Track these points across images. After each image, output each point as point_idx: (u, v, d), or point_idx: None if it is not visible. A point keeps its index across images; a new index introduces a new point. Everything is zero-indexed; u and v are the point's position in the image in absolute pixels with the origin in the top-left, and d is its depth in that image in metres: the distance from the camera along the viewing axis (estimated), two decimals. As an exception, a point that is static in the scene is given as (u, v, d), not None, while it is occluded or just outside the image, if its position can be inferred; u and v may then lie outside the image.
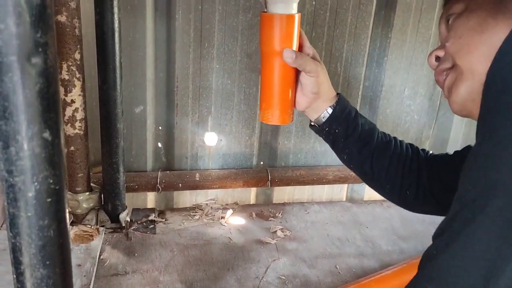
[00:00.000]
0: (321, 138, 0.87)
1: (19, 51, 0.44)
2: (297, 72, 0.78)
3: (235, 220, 1.59)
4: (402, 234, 1.56)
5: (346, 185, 1.85)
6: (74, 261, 1.21)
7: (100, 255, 1.31)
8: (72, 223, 1.39)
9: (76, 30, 1.22)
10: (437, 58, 0.69)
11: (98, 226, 1.42)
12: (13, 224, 0.51)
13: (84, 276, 1.20)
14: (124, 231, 1.44)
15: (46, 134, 0.48)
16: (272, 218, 1.63)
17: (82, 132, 1.32)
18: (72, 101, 1.27)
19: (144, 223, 1.51)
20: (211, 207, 1.67)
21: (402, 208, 0.92)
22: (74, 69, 1.24)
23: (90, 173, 1.43)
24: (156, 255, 1.35)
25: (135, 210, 1.58)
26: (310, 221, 1.63)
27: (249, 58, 1.58)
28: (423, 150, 0.91)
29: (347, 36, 1.63)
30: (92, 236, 1.37)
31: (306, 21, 1.57)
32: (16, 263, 0.53)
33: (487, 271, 0.49)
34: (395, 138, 0.90)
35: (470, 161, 0.54)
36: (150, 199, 1.67)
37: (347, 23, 1.61)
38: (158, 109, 1.57)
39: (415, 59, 1.73)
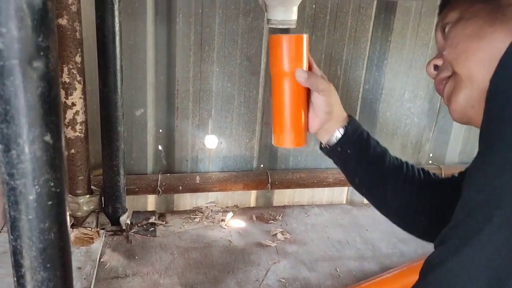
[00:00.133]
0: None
1: (20, 54, 0.44)
2: (308, 94, 0.78)
3: (235, 223, 1.59)
4: (402, 237, 1.56)
5: (347, 188, 1.85)
6: (74, 264, 1.21)
7: (100, 258, 1.31)
8: (72, 226, 1.39)
9: (77, 34, 1.23)
10: (436, 67, 0.68)
11: (98, 229, 1.42)
12: (14, 227, 0.51)
13: (85, 279, 1.20)
14: (124, 233, 1.44)
15: (47, 137, 0.48)
16: (272, 221, 1.62)
17: (82, 135, 1.33)
18: (73, 104, 1.28)
19: (145, 226, 1.51)
20: (211, 209, 1.67)
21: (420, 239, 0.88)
22: (75, 72, 1.25)
23: (91, 176, 1.43)
24: (157, 258, 1.35)
25: (136, 213, 1.58)
26: (310, 223, 1.63)
27: (249, 61, 1.58)
28: (434, 174, 0.87)
29: (347, 39, 1.63)
30: (92, 238, 1.37)
31: (306, 24, 1.58)
32: (17, 265, 0.53)
33: (492, 280, 0.48)
34: (406, 162, 0.88)
35: (474, 169, 0.53)
36: (151, 201, 1.68)
37: (347, 26, 1.62)
38: (159, 112, 1.58)
39: (414, 62, 1.73)
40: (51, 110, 0.48)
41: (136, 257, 1.34)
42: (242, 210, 1.69)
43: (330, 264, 1.40)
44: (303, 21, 1.56)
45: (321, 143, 0.84)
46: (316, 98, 0.77)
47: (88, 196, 1.41)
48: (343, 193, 1.87)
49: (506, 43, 0.55)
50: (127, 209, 1.49)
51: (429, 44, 1.71)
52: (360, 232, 1.60)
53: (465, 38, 0.60)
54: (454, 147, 1.92)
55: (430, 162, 1.91)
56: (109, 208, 1.44)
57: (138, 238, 1.44)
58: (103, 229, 1.43)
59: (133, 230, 1.47)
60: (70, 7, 1.19)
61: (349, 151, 0.80)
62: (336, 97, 0.80)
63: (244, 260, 1.38)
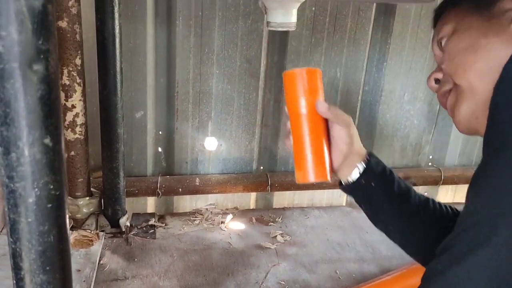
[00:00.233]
0: None
1: (20, 58, 0.44)
2: (327, 128, 0.76)
3: (235, 225, 1.59)
4: (402, 239, 1.56)
5: (346, 189, 1.85)
6: (73, 266, 1.20)
7: (100, 260, 1.31)
8: (72, 228, 1.39)
9: (77, 36, 1.23)
10: (437, 81, 0.68)
11: (98, 231, 1.42)
12: (13, 230, 0.51)
13: (84, 281, 1.19)
14: (124, 236, 1.44)
15: (47, 140, 0.48)
16: (272, 223, 1.62)
17: (82, 137, 1.33)
18: (73, 106, 1.28)
19: (144, 228, 1.51)
20: (211, 212, 1.67)
21: None
22: (74, 74, 1.25)
23: (90, 178, 1.43)
24: (156, 260, 1.35)
25: (135, 215, 1.58)
26: (310, 226, 1.63)
27: (249, 63, 1.58)
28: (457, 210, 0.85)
29: (347, 41, 1.64)
30: (92, 241, 1.37)
31: (305, 26, 1.58)
32: (16, 268, 0.53)
33: None
34: (432, 198, 0.84)
35: (479, 178, 0.53)
36: (150, 203, 1.67)
37: (347, 28, 1.62)
38: (159, 114, 1.58)
39: (414, 64, 1.73)
40: (51, 113, 0.48)
41: (136, 259, 1.34)
42: (241, 212, 1.69)
43: (330, 266, 1.39)
44: (302, 23, 1.57)
45: (340, 182, 0.80)
46: (337, 130, 0.75)
47: (87, 198, 1.41)
48: (343, 195, 1.87)
49: (503, 52, 0.56)
50: (126, 211, 1.48)
51: (428, 46, 1.72)
52: (360, 234, 1.60)
53: (461, 51, 0.60)
54: (454, 149, 1.92)
55: (429, 164, 1.91)
56: (109, 210, 1.44)
57: (138, 240, 1.44)
58: (102, 231, 1.43)
59: (132, 232, 1.47)
60: (70, 9, 1.19)
61: (373, 184, 0.76)
62: (355, 129, 0.77)
63: (244, 262, 1.38)
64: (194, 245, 1.44)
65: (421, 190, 1.98)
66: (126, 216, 1.48)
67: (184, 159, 1.65)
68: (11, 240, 0.51)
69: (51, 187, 0.50)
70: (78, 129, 1.30)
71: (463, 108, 0.61)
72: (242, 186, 1.65)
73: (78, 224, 1.41)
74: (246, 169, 1.72)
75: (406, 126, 1.83)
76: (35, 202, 0.50)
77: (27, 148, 0.47)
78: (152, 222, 1.54)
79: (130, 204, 1.57)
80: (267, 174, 1.69)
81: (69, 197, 1.37)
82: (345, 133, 0.75)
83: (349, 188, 0.79)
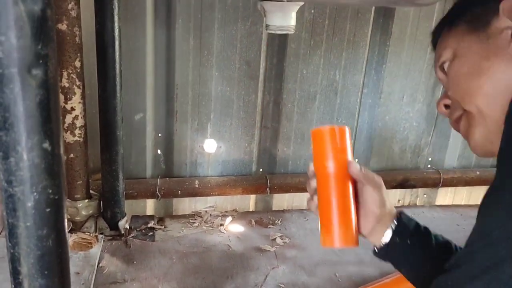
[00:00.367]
0: None
1: (20, 63, 0.44)
2: (356, 189, 0.72)
3: (234, 227, 1.59)
4: (402, 241, 1.56)
5: (346, 192, 1.85)
6: (72, 269, 1.20)
7: (99, 263, 1.30)
8: (71, 231, 1.39)
9: (77, 38, 1.23)
10: (447, 106, 0.67)
11: (97, 234, 1.42)
12: (12, 234, 0.51)
13: (83, 284, 1.19)
14: (123, 238, 1.44)
15: (46, 145, 0.48)
16: (271, 225, 1.62)
17: (81, 140, 1.33)
18: (72, 109, 1.28)
19: (143, 231, 1.51)
20: (210, 214, 1.66)
21: None
22: (74, 76, 1.25)
23: (90, 180, 1.43)
24: (155, 263, 1.35)
25: (134, 217, 1.58)
26: (309, 228, 1.63)
27: (248, 65, 1.59)
28: None
29: (346, 43, 1.64)
30: (91, 243, 1.37)
31: (305, 29, 1.58)
32: (15, 272, 0.53)
33: None
34: None
35: (492, 198, 0.52)
36: (150, 206, 1.67)
37: (346, 31, 1.62)
38: (158, 116, 1.58)
39: (413, 66, 1.74)
40: (50, 118, 0.48)
41: (135, 262, 1.34)
42: (241, 215, 1.69)
43: (329, 268, 1.39)
44: (302, 26, 1.57)
45: (374, 248, 0.75)
46: (369, 192, 0.71)
47: (86, 200, 1.40)
48: (342, 197, 1.86)
49: (507, 73, 0.54)
50: (126, 214, 1.48)
51: (427, 48, 1.72)
52: (360, 236, 1.59)
53: (465, 77, 0.59)
54: (453, 151, 1.92)
55: (429, 166, 1.92)
56: (108, 212, 1.44)
57: (137, 242, 1.44)
58: (101, 233, 1.43)
59: (131, 235, 1.47)
60: (70, 12, 1.19)
61: (408, 242, 0.71)
62: (385, 190, 0.73)
63: (243, 265, 1.38)
64: (194, 248, 1.44)
65: (420, 192, 1.98)
66: (125, 218, 1.48)
67: (184, 161, 1.65)
68: (10, 244, 0.51)
69: (50, 191, 0.50)
70: (77, 131, 1.30)
71: (476, 134, 0.61)
72: (242, 188, 1.65)
73: (77, 227, 1.41)
74: (246, 171, 1.72)
75: (405, 128, 1.83)
76: (34, 206, 0.50)
77: (26, 152, 0.47)
78: (151, 224, 1.54)
79: (129, 207, 1.57)
80: (267, 176, 1.69)
81: (68, 200, 1.37)
82: (378, 195, 0.71)
83: (384, 252, 0.73)
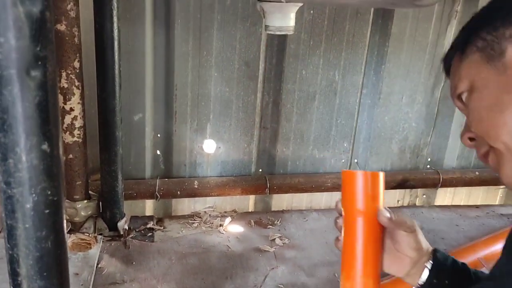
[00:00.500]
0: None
1: (18, 64, 0.44)
2: (384, 234, 0.70)
3: (233, 228, 1.59)
4: (401, 241, 1.56)
5: (345, 192, 1.85)
6: (71, 269, 1.20)
7: (98, 264, 1.30)
8: (69, 231, 1.39)
9: (76, 39, 1.23)
10: (472, 139, 0.64)
11: (96, 234, 1.41)
12: (10, 236, 0.51)
13: (82, 285, 1.19)
14: (122, 239, 1.44)
15: (45, 146, 0.48)
16: (270, 226, 1.62)
17: (80, 140, 1.32)
18: (71, 109, 1.27)
19: (143, 231, 1.50)
20: (209, 214, 1.66)
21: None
22: (73, 77, 1.25)
23: (89, 181, 1.43)
24: (154, 264, 1.34)
25: (134, 218, 1.58)
26: (308, 228, 1.63)
27: (247, 66, 1.59)
28: None
29: (345, 44, 1.64)
30: (90, 244, 1.37)
31: (304, 30, 1.58)
32: (14, 274, 0.53)
33: None
34: None
35: None
36: (149, 206, 1.67)
37: (345, 31, 1.62)
38: (157, 117, 1.58)
39: (412, 67, 1.74)
40: (48, 119, 0.48)
41: (134, 263, 1.34)
42: (240, 215, 1.69)
43: (328, 269, 1.39)
44: (301, 26, 1.57)
45: None
46: (403, 237, 0.68)
47: (85, 201, 1.40)
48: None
49: None
50: (125, 214, 1.48)
51: (426, 49, 1.72)
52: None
53: (486, 111, 0.57)
54: (452, 152, 1.92)
55: (428, 166, 1.92)
56: (107, 213, 1.44)
57: (136, 243, 1.44)
58: (100, 234, 1.43)
59: (131, 236, 1.47)
60: (69, 12, 1.19)
61: (447, 282, 0.69)
62: (420, 232, 0.71)
63: (242, 265, 1.38)
64: (193, 248, 1.44)
65: (419, 192, 1.98)
66: (124, 219, 1.47)
67: (183, 162, 1.65)
68: (9, 246, 0.51)
69: (49, 192, 0.50)
70: (76, 132, 1.30)
71: (507, 170, 0.59)
72: (241, 188, 1.65)
73: (76, 227, 1.41)
74: (245, 172, 1.72)
75: (404, 128, 1.83)
76: (33, 208, 0.50)
77: (25, 154, 0.47)
78: (150, 225, 1.54)
79: (129, 207, 1.57)
80: (266, 177, 1.69)
81: (67, 200, 1.37)
82: (413, 240, 0.69)
83: None
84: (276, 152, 1.72)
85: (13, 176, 0.48)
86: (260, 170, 1.74)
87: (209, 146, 1.65)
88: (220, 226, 1.59)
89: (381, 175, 0.68)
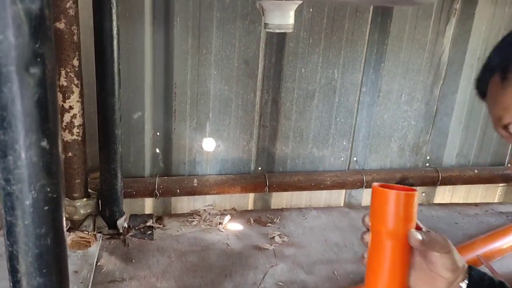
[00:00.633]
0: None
1: (17, 61, 0.44)
2: (415, 253, 0.66)
3: (233, 226, 1.59)
4: (400, 239, 1.56)
5: (344, 190, 1.86)
6: (71, 267, 1.20)
7: (97, 262, 1.31)
8: (69, 230, 1.39)
9: (75, 37, 1.23)
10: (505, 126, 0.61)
11: (95, 232, 1.42)
12: (10, 233, 0.51)
13: (81, 283, 1.19)
14: (121, 237, 1.44)
15: (44, 143, 0.48)
16: (270, 224, 1.63)
17: (80, 138, 1.32)
18: (70, 107, 1.28)
19: (142, 229, 1.51)
20: (209, 212, 1.67)
21: None
22: (72, 75, 1.25)
23: (88, 179, 1.43)
24: (154, 261, 1.35)
25: (133, 216, 1.58)
26: (308, 226, 1.63)
27: (247, 64, 1.59)
28: None
29: (344, 42, 1.64)
30: (89, 242, 1.37)
31: (303, 27, 1.58)
32: (13, 271, 0.53)
33: None
34: None
35: None
36: (148, 204, 1.67)
37: (344, 29, 1.62)
38: (156, 115, 1.58)
39: (411, 65, 1.74)
40: (48, 116, 0.48)
41: (133, 261, 1.34)
42: (239, 213, 1.69)
43: (327, 267, 1.40)
44: (300, 24, 1.57)
45: None
46: (437, 258, 0.64)
47: (85, 199, 1.40)
48: (340, 195, 1.87)
49: None
50: (124, 212, 1.48)
51: (425, 47, 1.72)
52: (358, 234, 1.59)
53: None
54: (452, 150, 1.93)
55: (427, 164, 1.92)
56: (106, 211, 1.44)
57: (136, 241, 1.44)
58: (100, 232, 1.43)
59: (130, 234, 1.47)
60: (68, 10, 1.19)
61: None
62: (455, 251, 0.67)
63: (242, 263, 1.38)
64: (192, 246, 1.44)
65: (419, 190, 1.98)
66: (124, 217, 1.48)
67: (182, 160, 1.65)
68: (8, 243, 0.52)
69: (48, 189, 0.51)
70: (75, 130, 1.30)
71: None
72: (240, 187, 1.65)
73: (75, 226, 1.41)
74: (244, 170, 1.72)
75: (403, 126, 1.83)
76: (32, 205, 0.50)
77: (24, 151, 0.47)
78: (149, 223, 1.54)
79: (128, 205, 1.57)
80: (265, 175, 1.69)
81: (66, 198, 1.37)
82: (448, 260, 0.65)
83: None
84: (275, 150, 1.72)
85: (12, 173, 0.48)
86: (260, 168, 1.74)
87: (209, 144, 1.65)
88: (219, 224, 1.59)
89: (415, 195, 0.64)
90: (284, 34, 1.57)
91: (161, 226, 1.55)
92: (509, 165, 2.01)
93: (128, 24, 1.43)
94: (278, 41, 1.59)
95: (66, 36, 1.21)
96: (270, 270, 1.35)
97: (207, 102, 1.60)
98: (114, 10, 1.23)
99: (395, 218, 0.63)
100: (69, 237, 1.36)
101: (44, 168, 0.49)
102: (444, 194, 2.01)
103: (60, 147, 0.52)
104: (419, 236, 0.63)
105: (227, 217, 1.63)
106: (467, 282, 0.66)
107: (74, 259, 1.28)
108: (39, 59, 0.45)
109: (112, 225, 1.45)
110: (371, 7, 1.63)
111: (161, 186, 1.57)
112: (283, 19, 0.95)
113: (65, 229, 0.55)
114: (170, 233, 1.51)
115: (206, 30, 1.51)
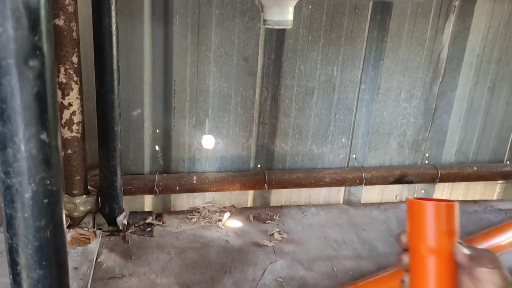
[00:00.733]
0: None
1: (17, 54, 0.45)
2: (459, 271, 0.61)
3: (232, 223, 1.60)
4: (399, 236, 1.56)
5: (343, 187, 1.86)
6: (71, 264, 1.21)
7: (97, 258, 1.31)
8: (69, 226, 1.39)
9: (74, 34, 1.23)
10: None
11: (95, 229, 1.42)
12: (10, 225, 0.51)
13: (81, 279, 1.20)
14: (121, 234, 1.44)
15: (43, 136, 0.49)
16: (269, 221, 1.63)
17: (79, 135, 1.33)
18: (70, 104, 1.28)
19: (142, 226, 1.51)
20: (208, 210, 1.67)
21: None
22: (71, 72, 1.25)
23: (87, 176, 1.43)
24: (153, 258, 1.35)
25: (133, 213, 1.58)
26: (307, 223, 1.64)
27: (246, 61, 1.59)
28: None
29: (343, 39, 1.64)
30: (89, 239, 1.37)
31: (302, 24, 1.58)
32: (13, 264, 0.53)
33: None
34: None
35: None
36: (148, 202, 1.68)
37: (343, 27, 1.63)
38: (156, 112, 1.58)
39: (410, 62, 1.74)
40: (47, 109, 0.48)
41: (133, 257, 1.34)
42: (239, 210, 1.69)
43: (327, 263, 1.40)
44: (299, 21, 1.57)
45: None
46: (485, 274, 0.60)
47: (84, 196, 1.41)
48: (340, 193, 1.87)
49: None
50: (124, 209, 1.49)
51: (424, 45, 1.73)
52: (357, 231, 1.60)
53: None
54: (451, 147, 1.93)
55: (426, 162, 1.92)
56: (106, 208, 1.44)
57: (135, 238, 1.44)
58: (99, 229, 1.43)
59: (130, 231, 1.47)
60: (67, 7, 1.19)
61: None
62: (503, 266, 0.63)
63: (241, 259, 1.38)
64: (192, 243, 1.45)
65: (418, 187, 1.99)
66: (123, 214, 1.48)
67: (182, 157, 1.65)
68: (8, 235, 0.52)
69: (48, 182, 0.51)
70: (75, 127, 1.30)
71: None
72: (240, 184, 1.65)
73: (75, 223, 1.41)
74: (244, 167, 1.72)
75: (402, 124, 1.83)
76: (32, 198, 0.50)
77: (24, 144, 0.48)
78: (149, 220, 1.54)
79: (127, 202, 1.58)
80: (265, 172, 1.69)
81: (66, 195, 1.37)
82: (498, 276, 0.60)
83: None
84: (274, 147, 1.73)
85: (12, 166, 0.48)
86: (259, 165, 1.74)
87: (208, 141, 1.65)
88: (219, 221, 1.59)
89: (456, 206, 0.59)
90: (283, 31, 1.57)
91: (161, 223, 1.55)
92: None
93: (127, 21, 1.43)
94: (277, 38, 1.59)
95: (65, 33, 1.21)
96: (270, 267, 1.36)
97: (207, 99, 1.60)
98: (113, 7, 1.23)
99: (437, 233, 0.58)
100: (69, 234, 1.37)
101: (44, 161, 0.50)
102: (443, 191, 2.01)
103: (59, 139, 0.52)
104: (467, 251, 0.58)
105: (227, 214, 1.63)
106: None
107: (74, 255, 1.28)
108: (38, 52, 0.46)
109: (112, 222, 1.45)
110: (370, 4, 1.63)
111: (161, 183, 1.57)
112: (282, 15, 0.95)
113: (64, 222, 0.55)
114: (170, 230, 1.52)
115: (205, 27, 1.51)
